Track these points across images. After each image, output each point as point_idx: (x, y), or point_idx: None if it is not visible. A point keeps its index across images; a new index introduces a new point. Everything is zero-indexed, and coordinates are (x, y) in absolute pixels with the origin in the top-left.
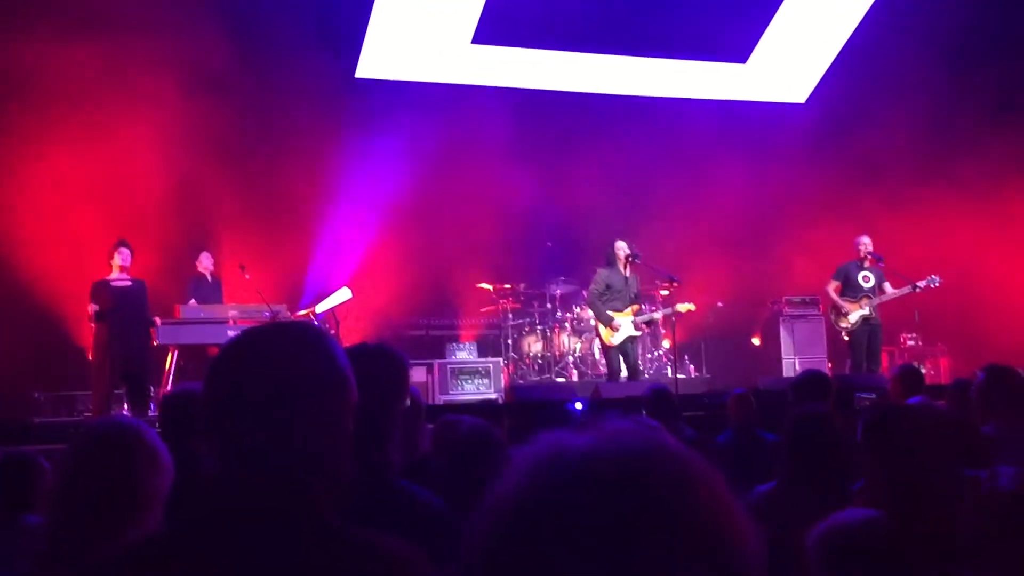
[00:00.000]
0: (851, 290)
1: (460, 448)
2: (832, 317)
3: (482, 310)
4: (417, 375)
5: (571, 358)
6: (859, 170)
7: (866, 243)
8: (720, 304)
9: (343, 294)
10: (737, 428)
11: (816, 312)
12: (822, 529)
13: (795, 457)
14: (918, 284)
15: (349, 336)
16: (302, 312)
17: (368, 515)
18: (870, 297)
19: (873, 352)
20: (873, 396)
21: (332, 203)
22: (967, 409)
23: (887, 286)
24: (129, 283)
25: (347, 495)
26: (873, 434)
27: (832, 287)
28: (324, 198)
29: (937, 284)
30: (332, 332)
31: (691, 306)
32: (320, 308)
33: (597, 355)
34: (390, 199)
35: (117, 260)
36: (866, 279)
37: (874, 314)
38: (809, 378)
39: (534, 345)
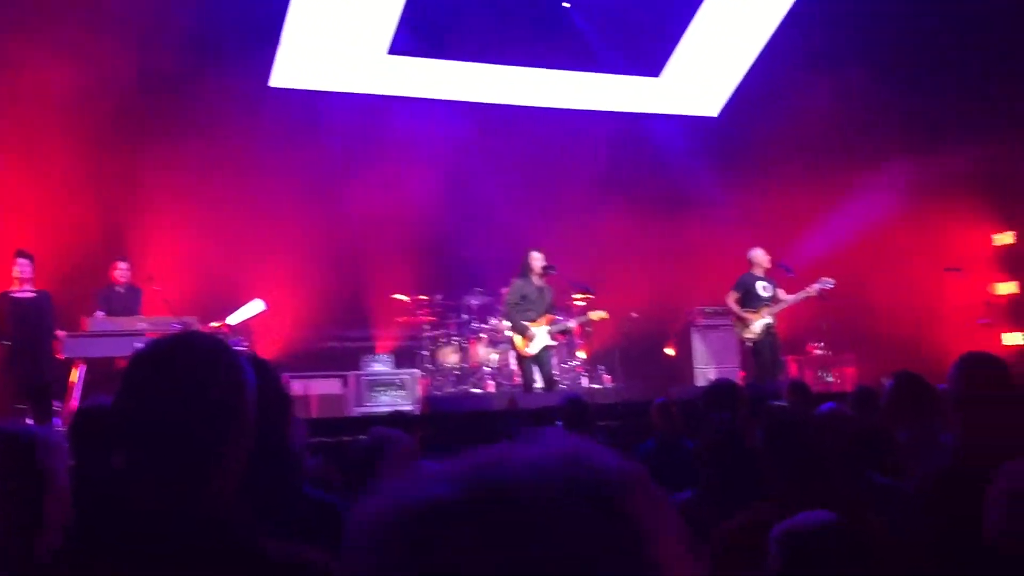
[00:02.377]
0: (751, 301)
1: (358, 454)
2: (736, 328)
3: (398, 321)
4: (331, 387)
5: (488, 369)
6: (770, 182)
7: (760, 255)
8: (634, 314)
9: (256, 306)
10: (661, 437)
11: (728, 322)
12: (784, 528)
13: (711, 465)
14: (810, 288)
15: (262, 347)
16: (214, 324)
17: (277, 524)
18: (769, 306)
19: (777, 360)
20: (785, 404)
21: (246, 214)
22: (872, 417)
23: (781, 293)
24: (32, 295)
25: (256, 506)
26: (776, 441)
27: (732, 299)
28: (238, 208)
29: (830, 287)
30: (244, 344)
31: (604, 314)
32: (232, 320)
33: (513, 366)
34: (305, 210)
35: (16, 272)
36: (765, 289)
37: (774, 323)
38: (719, 387)
39: (451, 356)
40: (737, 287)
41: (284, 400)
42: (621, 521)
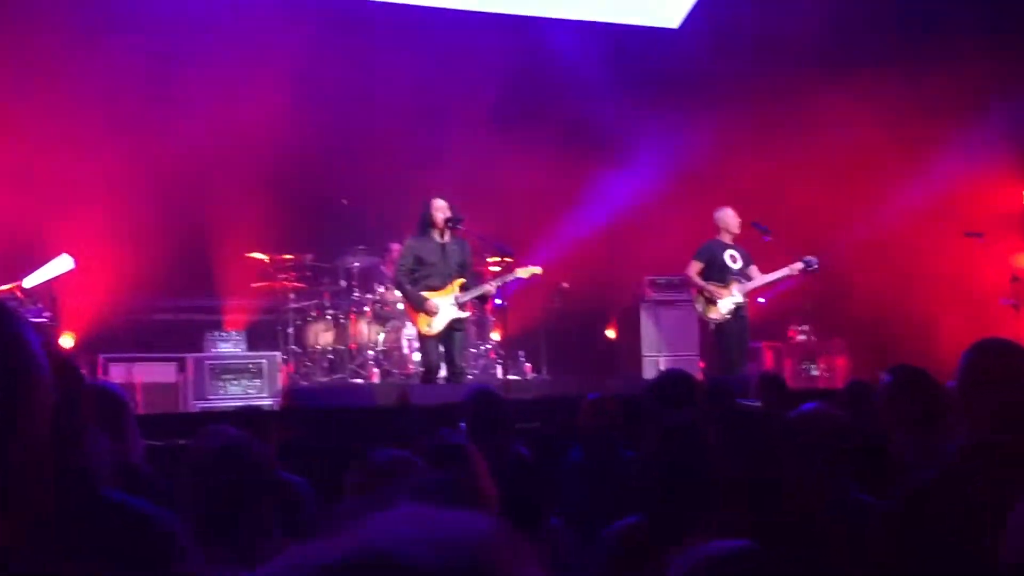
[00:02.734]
0: (717, 273)
1: (201, 475)
2: (698, 306)
3: (253, 287)
4: (163, 373)
5: (372, 352)
6: (741, 118)
7: (729, 217)
8: (565, 285)
9: (62, 263)
10: (591, 444)
11: (687, 297)
12: (690, 563)
13: (659, 483)
14: (792, 267)
15: (71, 319)
16: (4, 287)
17: (68, 534)
18: (740, 281)
19: (745, 347)
20: (758, 404)
21: (46, 145)
22: (867, 420)
23: (754, 270)
24: None
25: (47, 509)
26: (739, 450)
27: (693, 269)
28: (36, 139)
29: (815, 267)
30: (46, 315)
31: (536, 269)
32: (30, 282)
33: (406, 348)
34: (125, 140)
35: None
36: (733, 259)
37: (745, 302)
38: (671, 380)
39: (323, 335)
40: (700, 255)
41: (69, 377)
42: None
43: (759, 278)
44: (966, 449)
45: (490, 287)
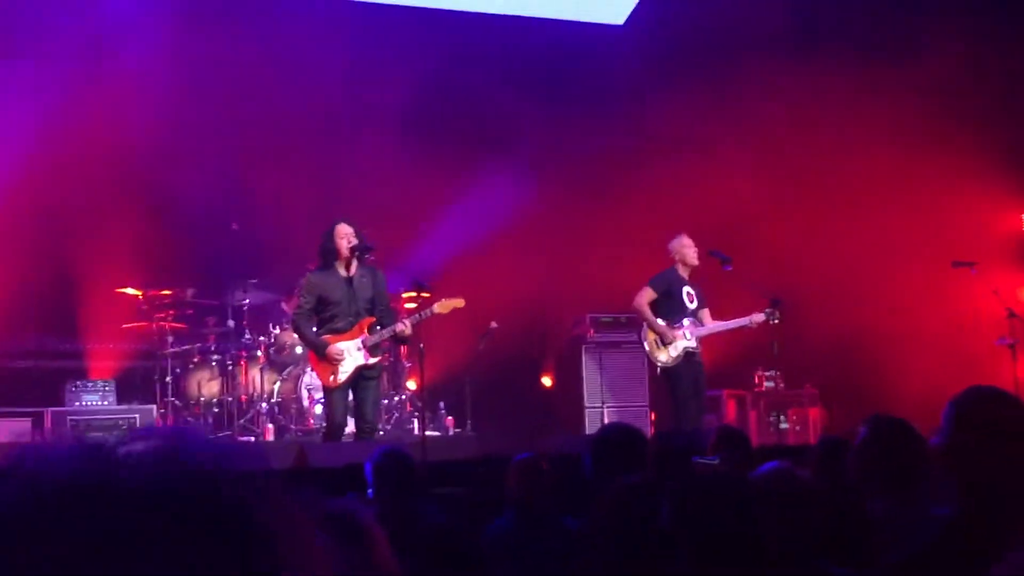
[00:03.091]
0: (672, 309)
1: None
2: (647, 346)
3: (124, 328)
4: (16, 430)
5: (265, 405)
6: (693, 130)
7: (686, 246)
8: (494, 324)
9: None
10: (521, 511)
11: (636, 338)
12: None
13: (606, 554)
14: (752, 318)
15: None
16: None
17: None
18: (695, 324)
19: (701, 397)
20: (715, 462)
21: None
22: (842, 480)
23: (705, 315)
24: None
25: None
26: (693, 517)
27: (645, 299)
28: None
29: (777, 319)
30: None
31: (459, 302)
32: None
33: (306, 400)
34: None
35: None
36: (690, 297)
37: (699, 347)
38: (613, 435)
39: (207, 385)
40: (656, 283)
41: None
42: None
43: (711, 325)
44: (954, 520)
45: (404, 326)
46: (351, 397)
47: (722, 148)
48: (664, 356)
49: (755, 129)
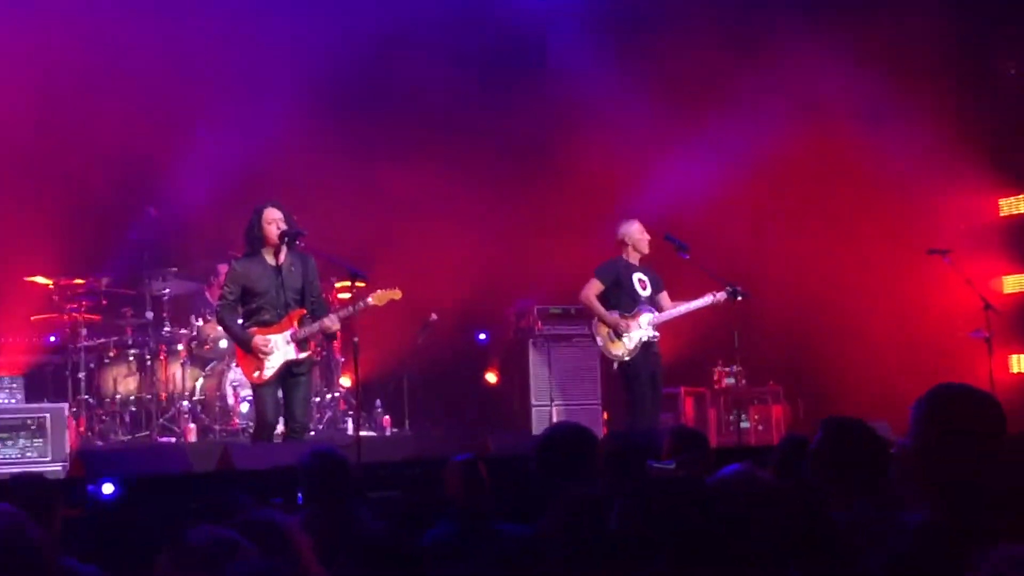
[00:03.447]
0: (622, 299)
1: None
2: (599, 340)
3: (33, 320)
4: None
5: (187, 403)
6: (651, 93)
7: (636, 231)
8: (434, 317)
9: None
10: (460, 518)
11: (586, 331)
12: None
13: (554, 564)
14: (713, 297)
15: None
16: None
17: None
18: (650, 310)
19: (657, 394)
20: (672, 466)
21: None
22: (805, 483)
23: (665, 299)
24: None
25: None
26: (646, 523)
27: (592, 291)
28: None
29: (742, 295)
30: None
31: (395, 294)
32: None
33: (231, 397)
34: None
35: None
36: (642, 284)
37: (656, 337)
38: (561, 436)
39: (124, 382)
40: (602, 273)
41: None
42: None
43: (672, 308)
44: (928, 525)
45: (331, 321)
46: (280, 394)
47: (672, 128)
48: (619, 350)
49: (709, 108)
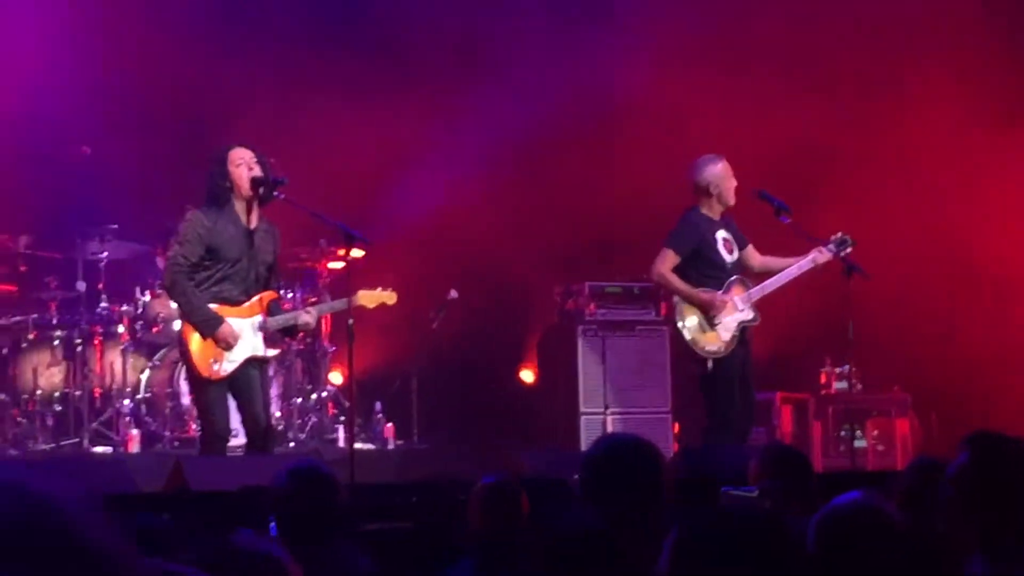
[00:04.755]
0: (707, 270)
1: None
2: (688, 333)
3: None
4: None
5: (129, 402)
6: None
7: (722, 176)
8: (454, 294)
9: None
10: (486, 559)
11: (653, 316)
12: None
13: None
14: (817, 255)
15: None
16: None
17: None
18: (745, 284)
19: (750, 399)
20: (755, 493)
21: None
22: (934, 518)
23: (751, 254)
24: None
25: None
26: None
27: (668, 263)
28: None
29: (849, 249)
30: None
31: (389, 297)
32: None
33: (186, 396)
34: None
35: None
36: (727, 246)
37: (755, 321)
38: (613, 454)
39: (47, 373)
40: (677, 242)
41: None
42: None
43: (770, 277)
44: None
45: (308, 317)
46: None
47: (773, 58)
48: (715, 343)
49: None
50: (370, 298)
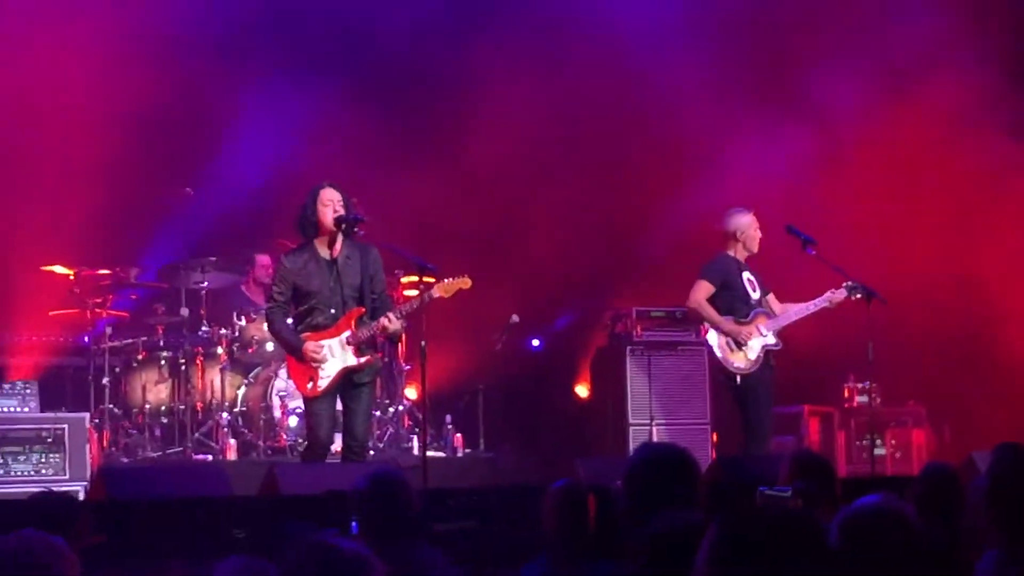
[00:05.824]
0: (735, 303)
1: None
2: (719, 351)
3: (51, 316)
4: None
5: (227, 415)
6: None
7: (749, 225)
8: (515, 318)
9: None
10: (559, 555)
11: (693, 338)
12: None
13: None
14: (831, 296)
15: None
16: None
17: None
18: (767, 316)
19: (771, 413)
20: (788, 493)
21: None
22: (952, 522)
23: (772, 301)
24: None
25: None
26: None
27: (703, 293)
28: None
29: (861, 293)
30: None
31: (464, 282)
32: None
33: (278, 409)
34: None
35: None
36: (752, 285)
37: (778, 347)
38: (654, 459)
39: (155, 389)
40: (710, 273)
41: None
42: None
43: (789, 311)
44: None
45: (389, 321)
46: (339, 407)
47: (792, 96)
48: (741, 361)
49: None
50: (446, 288)
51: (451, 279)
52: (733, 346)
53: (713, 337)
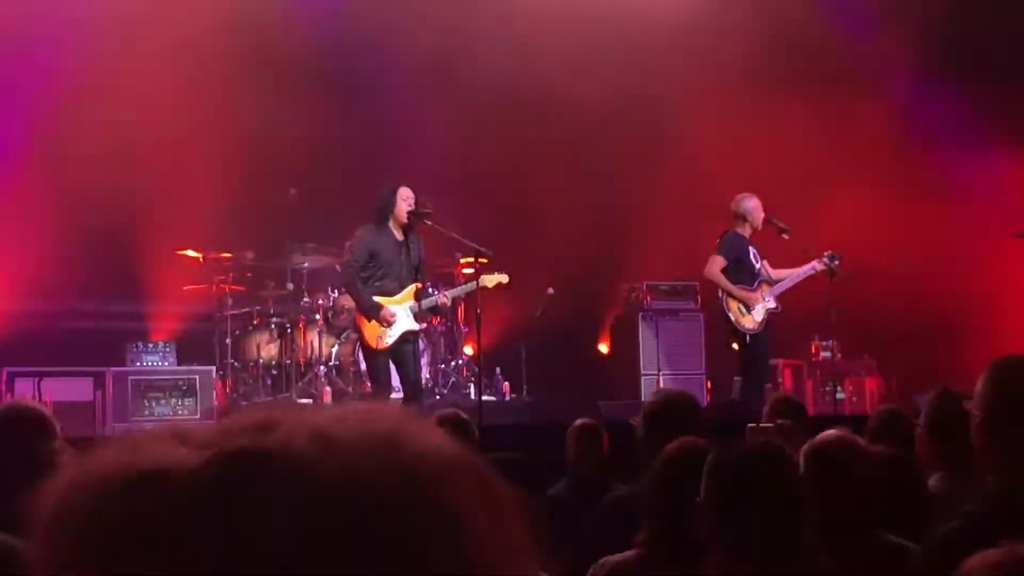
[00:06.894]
0: (742, 274)
1: None
2: (732, 315)
3: (185, 290)
4: (78, 390)
5: (323, 368)
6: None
7: (756, 208)
8: (551, 291)
9: None
10: (578, 477)
11: (693, 306)
12: None
13: (659, 514)
14: (816, 263)
15: None
16: None
17: None
18: (769, 283)
19: (767, 364)
20: (772, 425)
21: None
22: (899, 453)
23: (766, 266)
24: None
25: None
26: (743, 482)
27: (718, 265)
28: None
29: (836, 268)
30: None
31: (503, 278)
32: None
33: (363, 364)
34: (34, 121)
35: None
36: (755, 257)
37: (778, 309)
38: (667, 403)
39: (266, 347)
40: (725, 249)
41: None
42: (435, 517)
43: (786, 277)
44: (990, 499)
45: (444, 298)
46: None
47: (775, 99)
48: (750, 323)
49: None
50: (490, 280)
51: (492, 274)
52: (744, 310)
53: (728, 303)
